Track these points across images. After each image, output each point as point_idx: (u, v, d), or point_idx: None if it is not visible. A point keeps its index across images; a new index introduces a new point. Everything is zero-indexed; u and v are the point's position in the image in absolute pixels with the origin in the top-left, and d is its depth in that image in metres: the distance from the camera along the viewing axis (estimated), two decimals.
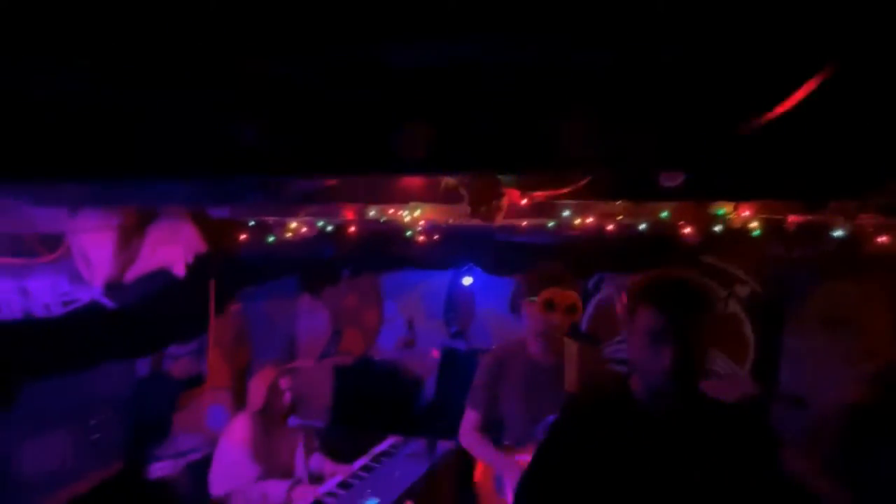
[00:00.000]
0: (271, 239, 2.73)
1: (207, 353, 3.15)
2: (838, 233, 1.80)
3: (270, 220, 2.60)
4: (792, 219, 1.90)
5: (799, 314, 2.95)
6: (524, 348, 1.96)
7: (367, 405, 3.49)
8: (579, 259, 3.01)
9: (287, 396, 2.30)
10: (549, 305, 1.80)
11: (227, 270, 2.97)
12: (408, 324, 3.86)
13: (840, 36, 0.80)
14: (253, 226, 2.72)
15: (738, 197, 1.66)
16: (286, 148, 1.41)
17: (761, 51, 0.95)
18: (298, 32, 0.92)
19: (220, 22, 0.91)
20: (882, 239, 1.94)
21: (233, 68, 1.04)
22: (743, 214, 1.88)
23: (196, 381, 3.20)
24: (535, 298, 1.85)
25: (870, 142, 1.13)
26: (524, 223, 2.33)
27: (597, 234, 2.36)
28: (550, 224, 2.30)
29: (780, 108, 0.94)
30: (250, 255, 2.96)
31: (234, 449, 2.23)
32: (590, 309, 3.49)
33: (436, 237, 2.66)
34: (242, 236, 2.75)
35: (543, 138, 1.14)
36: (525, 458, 1.90)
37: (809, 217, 1.83)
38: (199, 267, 2.60)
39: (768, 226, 1.97)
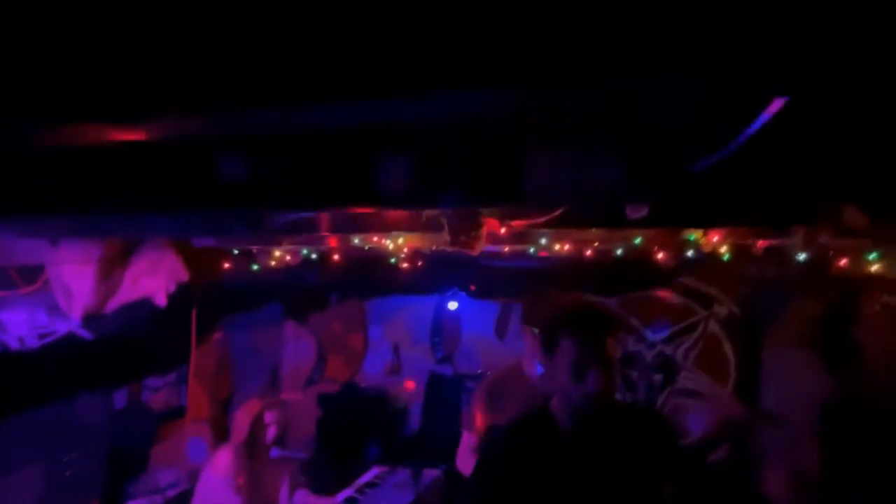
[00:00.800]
0: (255, 267, 2.73)
1: (188, 383, 3.09)
2: (801, 256, 1.89)
3: (254, 248, 2.61)
4: (759, 243, 1.99)
5: (774, 333, 3.03)
6: (520, 372, 1.99)
7: (353, 434, 3.44)
8: (561, 283, 3.07)
9: (272, 430, 2.26)
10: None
11: (210, 299, 2.95)
12: (393, 349, 3.84)
13: (792, 66, 0.87)
14: (237, 254, 2.72)
15: (701, 224, 1.75)
16: (269, 182, 1.45)
17: (715, 85, 1.03)
18: (279, 81, 0.97)
19: (203, 62, 0.96)
20: (842, 261, 2.04)
21: (216, 106, 1.08)
22: (713, 240, 1.96)
23: (176, 413, 3.13)
24: (537, 330, 1.88)
25: (823, 169, 1.21)
26: (506, 249, 2.38)
27: (577, 258, 2.42)
28: (531, 250, 2.36)
29: (734, 142, 1.01)
30: (234, 283, 2.95)
31: (216, 483, 2.18)
32: None
33: (420, 263, 2.69)
34: (226, 265, 2.75)
35: (516, 174, 1.20)
36: None
37: (774, 241, 1.92)
38: (181, 296, 2.59)
39: (737, 249, 2.06)
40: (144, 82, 0.95)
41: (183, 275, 2.54)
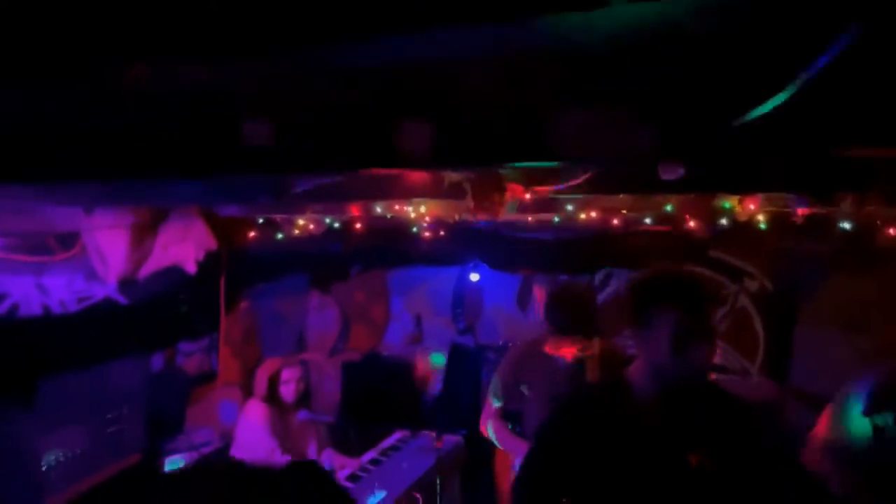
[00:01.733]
0: (280, 236, 2.77)
1: (219, 349, 3.21)
2: (846, 225, 1.78)
3: (279, 217, 2.64)
4: (799, 211, 1.88)
5: (810, 310, 2.91)
6: (543, 346, 1.99)
7: (376, 400, 3.53)
8: (586, 254, 3.00)
9: (291, 387, 2.33)
10: (557, 349, 1.88)
11: (237, 268, 3.02)
12: (415, 320, 3.88)
13: (839, 21, 0.79)
14: (262, 223, 2.76)
15: (739, 190, 1.65)
16: (290, 147, 1.43)
17: (757, 43, 0.95)
18: (297, 31, 0.94)
19: (222, 24, 0.93)
20: (892, 231, 1.91)
21: (237, 68, 1.06)
22: (749, 208, 1.86)
23: (208, 377, 3.26)
24: (551, 344, 1.90)
25: (871, 132, 1.12)
26: (529, 218, 2.33)
27: (602, 229, 2.35)
28: (556, 219, 2.31)
29: (777, 100, 0.93)
30: (260, 252, 3.01)
31: (252, 426, 2.28)
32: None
33: (441, 233, 2.67)
34: (252, 234, 2.80)
35: (543, 132, 1.15)
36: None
37: (816, 209, 1.81)
38: (209, 264, 2.65)
39: (775, 219, 1.95)
40: (172, 28, 0.94)
41: (211, 243, 2.60)
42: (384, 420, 3.11)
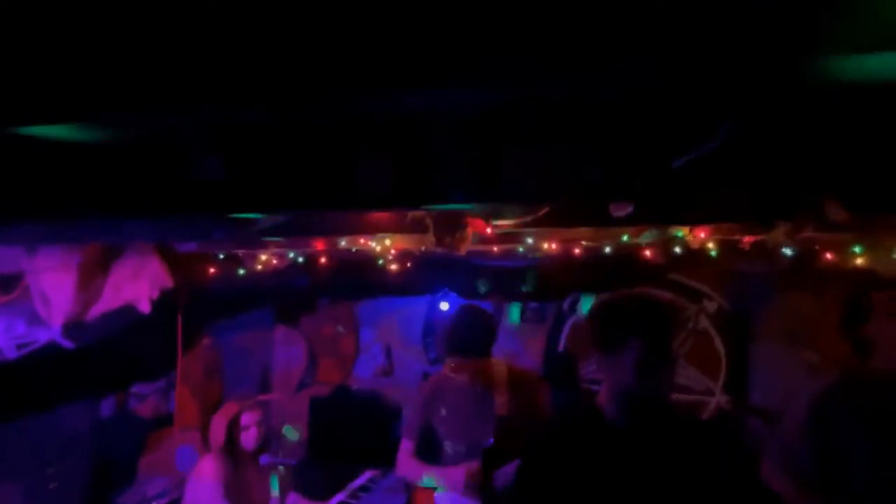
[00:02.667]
0: (242, 271, 2.69)
1: (176, 390, 3.04)
2: (787, 251, 1.89)
3: (240, 252, 2.58)
4: (746, 238, 1.99)
5: (763, 328, 3.05)
6: (450, 376, 1.99)
7: (344, 437, 3.41)
8: (553, 280, 3.06)
9: (252, 433, 2.21)
10: (455, 371, 1.93)
11: (196, 304, 2.91)
12: (385, 351, 3.81)
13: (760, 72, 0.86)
14: (223, 259, 2.68)
15: (686, 221, 1.74)
16: (248, 185, 1.42)
17: (692, 90, 1.01)
18: (262, 80, 0.95)
19: (182, 63, 0.93)
20: (828, 255, 2.05)
21: (196, 107, 1.06)
22: (700, 236, 1.96)
23: (164, 421, 3.08)
24: (449, 366, 1.95)
25: (804, 164, 1.20)
26: (494, 249, 2.37)
27: (568, 256, 2.41)
28: (520, 249, 2.35)
29: (711, 140, 1.00)
30: (221, 288, 2.91)
31: (202, 491, 2.13)
32: (566, 329, 3.52)
33: (409, 265, 2.67)
34: (212, 270, 2.71)
35: (497, 173, 1.18)
36: (460, 471, 1.92)
37: (760, 236, 1.92)
38: (165, 302, 2.54)
39: (724, 245, 2.06)
40: (119, 77, 0.93)
41: (167, 281, 2.50)
42: (353, 459, 2.99)
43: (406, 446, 2.07)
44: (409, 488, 2.15)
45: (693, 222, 1.69)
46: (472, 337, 1.89)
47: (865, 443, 0.80)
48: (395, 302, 3.70)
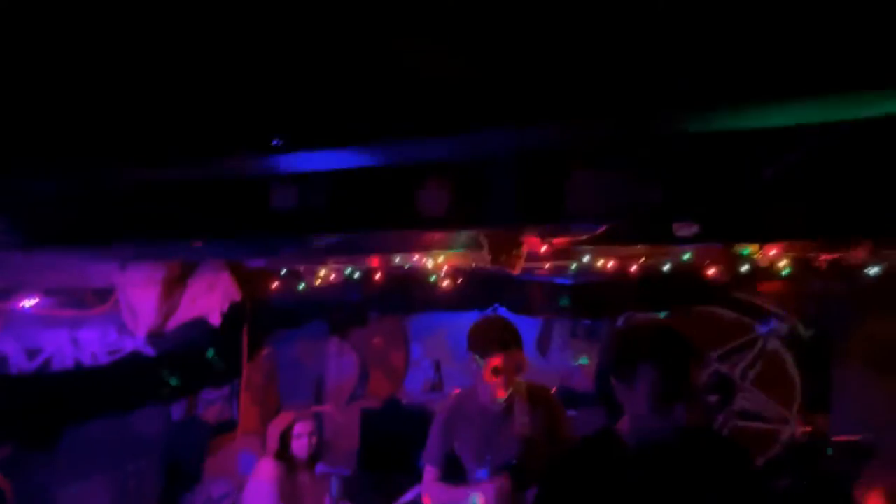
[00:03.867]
0: (301, 286, 2.83)
1: (240, 397, 3.22)
2: (872, 270, 1.75)
3: (301, 268, 2.71)
4: (823, 256, 1.86)
5: (843, 352, 2.80)
6: (476, 395, 1.94)
7: (394, 450, 3.45)
8: (606, 298, 2.97)
9: (304, 441, 2.28)
10: (496, 372, 1.82)
11: (259, 316, 3.09)
12: (434, 366, 3.84)
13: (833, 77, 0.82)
14: (284, 274, 2.83)
15: (756, 240, 1.65)
16: (316, 209, 1.51)
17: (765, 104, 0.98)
18: (330, 126, 1.01)
19: (250, 99, 1.02)
20: None
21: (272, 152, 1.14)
22: (770, 254, 1.85)
23: (228, 426, 3.26)
24: (482, 361, 1.84)
25: (889, 176, 1.13)
26: (547, 265, 2.35)
27: (622, 272, 2.35)
28: (573, 266, 2.32)
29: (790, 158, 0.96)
30: (282, 301, 3.07)
31: (259, 493, 2.24)
32: None
33: (459, 280, 2.70)
34: (275, 284, 2.87)
35: (558, 194, 1.19)
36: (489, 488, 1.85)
37: (839, 255, 1.78)
38: (233, 314, 2.72)
39: (798, 264, 1.93)
40: (212, 130, 1.03)
41: (236, 294, 2.68)
42: (403, 472, 3.02)
43: (430, 473, 1.98)
44: None
45: (763, 240, 1.60)
46: (505, 330, 1.86)
47: None
48: (444, 317, 3.73)
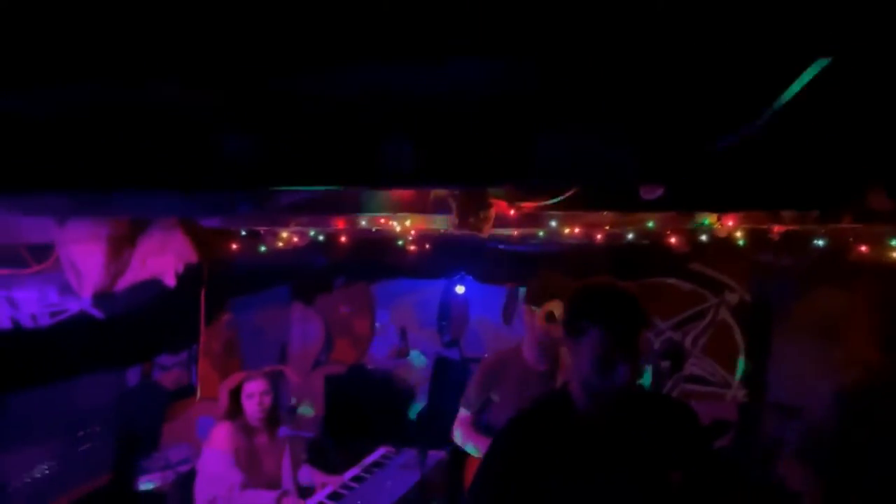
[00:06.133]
0: (263, 248, 2.73)
1: (198, 362, 3.13)
2: (819, 242, 1.84)
3: (262, 229, 2.61)
4: (776, 228, 1.94)
5: (787, 322, 2.98)
6: (519, 354, 1.99)
7: (359, 415, 3.47)
8: (571, 268, 3.03)
9: (255, 401, 2.22)
10: (551, 317, 1.83)
11: (218, 280, 2.97)
12: (400, 333, 3.85)
13: (816, 42, 0.82)
14: (244, 236, 2.72)
15: (717, 208, 1.70)
16: (273, 161, 1.42)
17: (731, 69, 0.98)
18: (293, 52, 0.94)
19: (210, 39, 0.93)
20: (862, 248, 1.98)
21: (224, 82, 1.06)
22: (727, 224, 1.91)
23: (186, 392, 3.18)
24: (538, 309, 1.86)
25: (846, 152, 1.16)
26: (515, 233, 2.35)
27: (587, 243, 2.38)
28: (540, 233, 2.33)
29: (758, 119, 0.96)
30: (242, 264, 2.96)
31: (215, 456, 2.19)
32: None
33: (427, 246, 2.67)
34: (234, 246, 2.75)
35: (527, 153, 1.16)
36: None
37: (792, 227, 1.86)
38: (189, 276, 2.60)
39: (752, 235, 2.01)
40: (147, 46, 0.93)
41: (191, 255, 2.55)
42: (367, 435, 3.05)
43: (464, 416, 2.08)
44: (464, 456, 2.13)
45: (725, 209, 1.65)
46: (557, 282, 1.87)
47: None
48: (411, 285, 3.73)
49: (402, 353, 3.82)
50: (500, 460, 1.17)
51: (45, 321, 2.31)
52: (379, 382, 3.66)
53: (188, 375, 3.25)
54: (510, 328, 3.66)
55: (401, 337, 3.83)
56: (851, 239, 1.97)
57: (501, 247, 2.95)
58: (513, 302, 3.68)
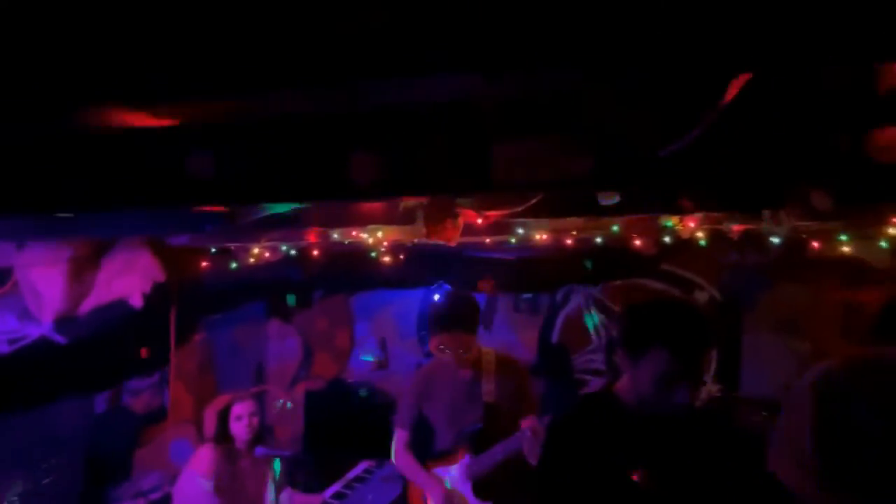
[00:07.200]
0: (234, 265, 2.69)
1: (170, 385, 3.04)
2: (776, 239, 1.92)
3: (232, 246, 2.57)
4: (735, 228, 2.02)
5: (755, 318, 3.08)
6: (447, 364, 2.01)
7: (340, 430, 3.42)
8: (546, 272, 3.08)
9: (244, 423, 2.20)
10: (441, 350, 1.92)
11: (189, 299, 2.90)
12: (380, 344, 3.83)
13: (751, 51, 0.87)
14: (214, 253, 2.67)
15: (673, 210, 1.76)
16: (239, 177, 1.41)
17: (678, 75, 1.02)
18: (255, 69, 0.95)
19: (174, 55, 0.93)
20: (815, 244, 2.07)
21: (185, 98, 1.05)
22: (689, 225, 1.98)
23: (158, 416, 3.08)
24: (429, 339, 1.96)
25: (789, 153, 1.22)
26: (487, 240, 2.38)
27: (560, 247, 2.42)
28: (513, 240, 2.36)
29: (697, 128, 1.01)
30: (214, 282, 2.90)
31: (195, 480, 2.13)
32: (559, 321, 3.55)
33: (402, 256, 2.67)
34: (204, 264, 2.70)
35: (488, 163, 1.19)
36: (445, 470, 1.96)
37: (749, 225, 1.94)
38: (158, 296, 2.54)
39: (713, 235, 2.08)
40: (107, 71, 0.92)
41: (159, 275, 2.49)
42: (349, 450, 3.01)
43: (401, 436, 2.09)
44: (405, 479, 2.18)
45: (679, 210, 1.71)
46: (455, 312, 1.90)
47: (877, 420, 0.82)
48: (390, 295, 3.71)
49: (383, 365, 3.79)
50: (555, 459, 1.15)
51: (4, 349, 2.21)
52: (360, 396, 3.62)
53: (160, 398, 3.15)
54: (490, 334, 3.67)
55: (380, 348, 3.80)
56: (805, 236, 2.06)
57: (478, 254, 2.98)
58: (491, 308, 3.71)
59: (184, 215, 1.80)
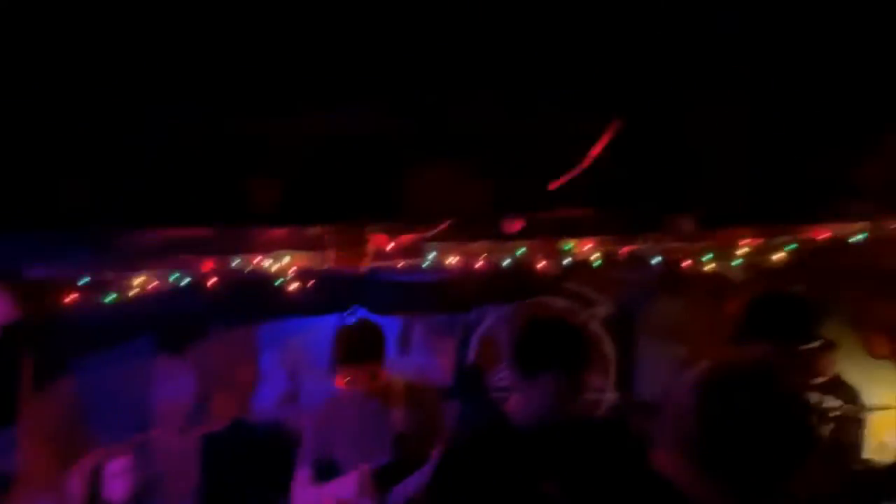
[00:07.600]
0: (111, 298, 2.35)
1: (19, 446, 2.52)
2: (654, 259, 2.19)
3: (108, 276, 2.25)
4: (623, 249, 2.26)
5: (644, 329, 3.47)
6: (351, 396, 1.97)
7: (243, 475, 3.10)
8: (458, 293, 3.15)
9: (120, 482, 1.89)
10: (347, 382, 1.91)
11: (51, 340, 2.46)
12: (290, 375, 3.57)
13: (626, 96, 0.99)
14: (84, 285, 2.32)
15: (569, 234, 1.93)
16: (118, 202, 1.26)
17: (566, 114, 1.13)
18: (145, 94, 0.86)
19: (50, 84, 0.81)
20: (686, 262, 2.41)
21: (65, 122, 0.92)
22: (585, 248, 2.18)
23: (2, 484, 2.52)
24: (338, 373, 1.93)
25: (664, 186, 1.40)
26: (400, 264, 2.38)
27: (472, 270, 2.51)
28: (425, 264, 2.39)
29: (579, 167, 1.13)
30: (84, 318, 2.50)
31: None
32: (473, 342, 3.63)
33: (310, 283, 2.56)
34: (70, 297, 2.33)
35: (395, 190, 1.20)
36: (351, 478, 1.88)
37: (634, 247, 2.19)
38: (7, 340, 2.12)
39: (606, 256, 2.31)
40: None
41: (10, 313, 2.08)
42: (253, 500, 2.73)
43: (303, 475, 1.96)
44: None
45: (575, 234, 1.88)
46: (362, 345, 1.86)
47: (746, 409, 0.95)
48: (299, 323, 3.50)
49: (293, 398, 3.54)
50: (444, 485, 1.16)
51: None
52: (267, 435, 3.32)
53: (7, 462, 2.59)
54: (406, 359, 3.63)
55: (290, 379, 3.55)
56: (679, 256, 2.39)
57: (393, 277, 2.96)
58: (407, 332, 3.68)
59: (45, 241, 1.54)
